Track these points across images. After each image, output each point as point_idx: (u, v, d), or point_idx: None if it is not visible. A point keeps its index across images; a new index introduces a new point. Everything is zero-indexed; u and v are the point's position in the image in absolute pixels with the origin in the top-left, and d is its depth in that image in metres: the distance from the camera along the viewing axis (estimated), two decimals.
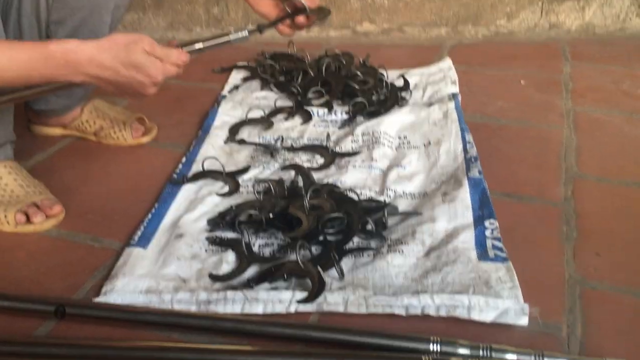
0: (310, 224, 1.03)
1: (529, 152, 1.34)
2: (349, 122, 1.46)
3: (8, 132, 1.14)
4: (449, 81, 1.62)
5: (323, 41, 2.01)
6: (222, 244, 1.04)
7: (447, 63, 1.73)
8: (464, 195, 1.12)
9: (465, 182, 1.16)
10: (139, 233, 1.06)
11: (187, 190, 1.20)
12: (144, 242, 1.04)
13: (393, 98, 1.53)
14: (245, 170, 1.27)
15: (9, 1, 1.19)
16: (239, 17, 2.04)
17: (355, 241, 1.04)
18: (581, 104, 1.56)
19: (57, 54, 0.91)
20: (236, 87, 1.67)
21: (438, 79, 1.65)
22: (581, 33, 2.04)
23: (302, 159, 1.31)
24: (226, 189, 1.21)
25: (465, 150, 1.27)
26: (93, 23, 1.20)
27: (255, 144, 1.38)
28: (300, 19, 1.17)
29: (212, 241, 1.05)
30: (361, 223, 1.04)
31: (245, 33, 1.08)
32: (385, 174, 1.24)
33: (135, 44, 0.95)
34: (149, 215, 1.12)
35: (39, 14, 1.19)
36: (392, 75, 1.68)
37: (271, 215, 1.07)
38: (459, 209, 1.09)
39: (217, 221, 1.10)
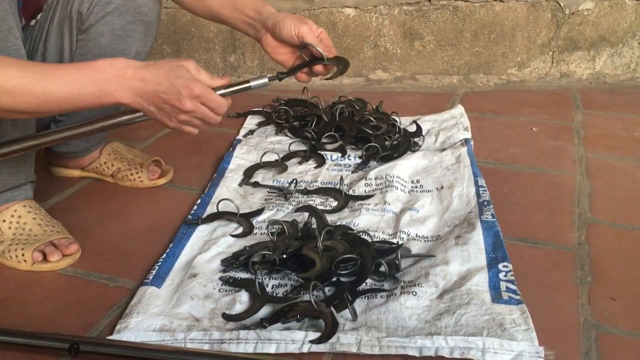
0: (323, 265, 1.04)
1: (542, 198, 1.35)
2: (362, 166, 1.47)
3: (29, 173, 1.17)
4: (461, 127, 1.64)
5: (337, 88, 2.05)
6: (236, 284, 1.05)
7: (459, 110, 1.76)
8: (477, 238, 1.12)
9: (479, 225, 1.16)
10: (153, 272, 1.07)
11: (201, 231, 1.22)
12: (158, 281, 1.05)
13: (406, 143, 1.55)
14: (259, 212, 1.28)
15: (34, 47, 1.24)
16: (254, 65, 2.09)
17: (369, 282, 1.04)
18: (593, 150, 1.57)
19: (106, 68, 0.94)
20: (251, 132, 1.70)
21: (450, 125, 1.67)
22: (592, 82, 2.07)
23: (316, 202, 1.32)
24: (240, 230, 1.22)
25: (478, 194, 1.28)
26: None
27: (269, 187, 1.40)
28: (318, 67, 1.18)
29: (226, 281, 1.06)
30: (374, 265, 1.05)
31: (265, 80, 1.11)
32: (398, 216, 1.25)
33: (179, 66, 0.97)
34: (164, 255, 1.13)
35: (63, 60, 1.24)
36: (404, 121, 1.71)
37: (284, 256, 1.08)
38: (472, 252, 1.09)
39: (231, 261, 1.11)
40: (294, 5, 1.99)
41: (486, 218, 1.19)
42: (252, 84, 1.09)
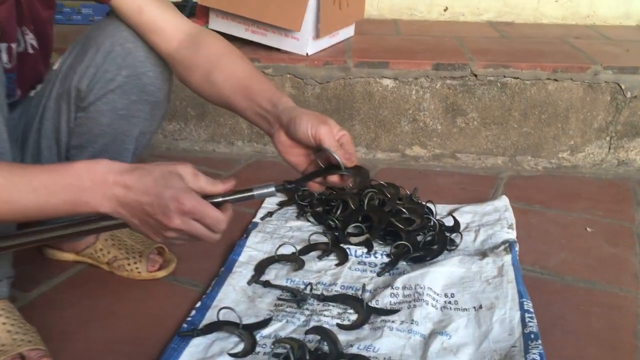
0: None
1: (599, 325, 1.14)
2: (390, 267, 1.29)
3: (6, 269, 1.03)
4: (505, 224, 1.45)
5: (369, 163, 1.89)
6: None
7: (503, 202, 1.57)
8: None
9: None
10: None
11: (195, 346, 1.05)
12: None
13: (441, 241, 1.36)
14: (265, 323, 1.11)
15: (30, 122, 1.12)
16: None
17: None
18: None
19: (83, 173, 0.80)
20: (270, 214, 1.55)
21: (493, 220, 1.48)
22: None
23: (333, 312, 1.15)
24: (240, 347, 1.05)
25: (523, 322, 1.08)
26: (115, 150, 1.11)
27: (282, 288, 1.23)
28: (334, 178, 0.98)
29: None
30: None
31: (271, 189, 0.94)
32: (426, 342, 1.06)
33: (171, 173, 0.83)
34: None
35: (60, 137, 1.12)
36: (440, 210, 1.53)
37: None
38: None
39: None
40: (328, 74, 1.85)
41: (533, 359, 0.99)
42: (256, 193, 0.92)
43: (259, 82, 1.03)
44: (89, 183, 0.80)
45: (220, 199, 0.88)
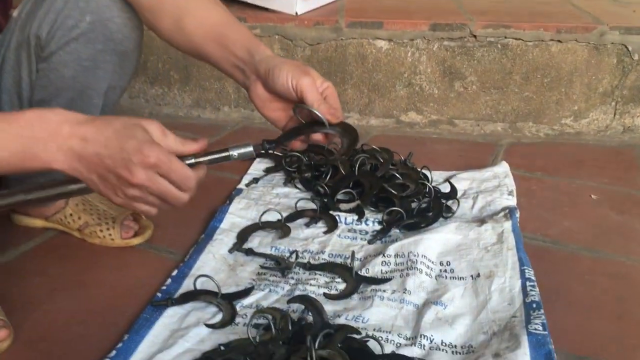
0: None
1: (606, 297, 1.06)
2: (382, 235, 1.21)
3: None
4: (505, 191, 1.37)
5: (362, 129, 1.80)
6: None
7: (503, 168, 1.48)
8: None
9: (525, 340, 0.88)
10: None
11: (170, 316, 0.97)
12: None
13: (437, 208, 1.28)
14: (246, 292, 1.03)
15: None
16: None
17: None
18: None
19: (34, 122, 0.71)
20: (256, 180, 1.46)
21: (492, 187, 1.40)
22: None
23: (319, 282, 1.07)
24: (219, 317, 0.97)
25: (524, 291, 1.00)
26: (81, 105, 1.02)
27: (266, 256, 1.14)
28: (317, 136, 0.89)
29: None
30: None
31: (249, 149, 0.85)
32: (420, 311, 0.99)
33: (135, 125, 0.74)
34: (113, 352, 0.88)
35: (21, 92, 1.02)
36: (437, 177, 1.45)
37: None
38: None
39: None
40: (319, 35, 1.75)
41: (535, 329, 0.90)
42: (232, 153, 0.83)
43: (235, 29, 0.94)
44: (42, 133, 0.71)
45: (193, 160, 0.79)
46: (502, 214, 1.25)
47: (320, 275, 1.09)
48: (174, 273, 1.08)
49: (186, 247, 1.17)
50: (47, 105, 1.01)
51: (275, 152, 1.57)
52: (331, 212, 1.29)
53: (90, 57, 0.99)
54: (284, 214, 1.27)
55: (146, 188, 0.73)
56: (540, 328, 0.91)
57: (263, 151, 0.89)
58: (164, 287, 1.04)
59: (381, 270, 1.10)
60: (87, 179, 0.73)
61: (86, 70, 1.00)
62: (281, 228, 1.23)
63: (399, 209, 1.24)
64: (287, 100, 0.89)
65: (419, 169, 1.41)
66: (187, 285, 1.04)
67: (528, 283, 1.02)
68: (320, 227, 1.26)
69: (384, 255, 1.12)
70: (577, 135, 1.80)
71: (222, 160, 0.82)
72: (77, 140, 0.71)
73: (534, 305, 0.96)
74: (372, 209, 1.31)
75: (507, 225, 1.19)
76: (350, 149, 0.91)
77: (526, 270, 1.05)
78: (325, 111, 0.85)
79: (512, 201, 1.33)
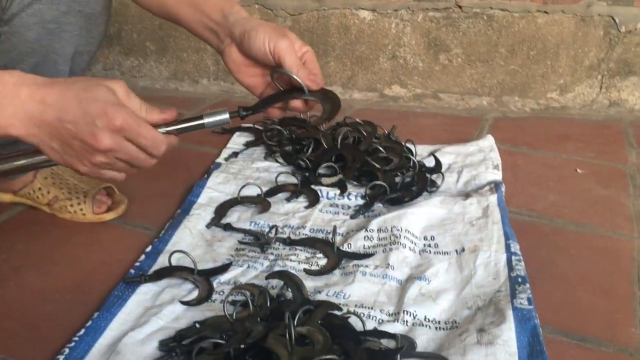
0: None
1: (592, 271, 1.04)
2: (365, 209, 1.17)
3: None
4: (491, 165, 1.34)
5: (345, 103, 1.74)
6: None
7: (488, 142, 1.45)
8: (508, 335, 0.82)
9: (510, 315, 0.85)
10: (60, 359, 0.78)
11: (143, 294, 0.93)
12: None
13: (421, 182, 1.25)
14: (224, 268, 0.99)
15: None
16: None
17: None
18: None
19: None
20: (235, 154, 1.42)
21: (477, 161, 1.37)
22: None
23: (300, 258, 1.03)
24: (195, 294, 0.93)
25: (510, 265, 0.98)
26: (46, 71, 0.96)
27: (244, 231, 1.11)
28: (296, 103, 0.86)
29: None
30: None
31: (225, 116, 0.81)
32: (403, 287, 0.96)
33: (99, 85, 0.69)
34: (82, 330, 0.84)
35: None
36: (421, 151, 1.41)
37: (242, 346, 0.79)
38: (501, 358, 0.78)
39: (171, 346, 0.82)
40: (300, 4, 1.70)
41: (520, 304, 0.88)
42: (207, 120, 0.79)
43: None
44: None
45: (164, 129, 0.74)
46: (487, 187, 1.22)
47: (300, 250, 1.06)
48: (148, 249, 1.03)
49: (162, 223, 1.13)
50: None
51: (255, 126, 1.52)
52: (312, 186, 1.26)
53: (55, 19, 0.93)
54: (264, 189, 1.23)
55: (113, 154, 0.69)
56: (526, 303, 0.88)
57: (239, 117, 0.84)
58: (137, 264, 1.00)
59: (364, 246, 1.06)
60: (47, 147, 0.69)
61: (50, 33, 0.94)
62: (261, 203, 1.20)
63: (382, 183, 1.21)
64: (264, 66, 0.85)
65: (403, 143, 1.38)
66: (161, 262, 1.00)
67: (514, 257, 0.99)
68: (301, 201, 1.22)
69: (366, 230, 1.09)
70: (562, 110, 1.78)
71: (195, 129, 0.78)
72: (36, 103, 0.66)
73: (520, 280, 0.94)
74: (355, 183, 1.28)
75: (493, 199, 1.16)
76: (332, 115, 0.87)
77: (511, 245, 1.02)
78: (305, 77, 0.81)
79: (498, 175, 1.30)
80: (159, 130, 0.74)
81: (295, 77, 0.82)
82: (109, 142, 0.67)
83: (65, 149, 0.69)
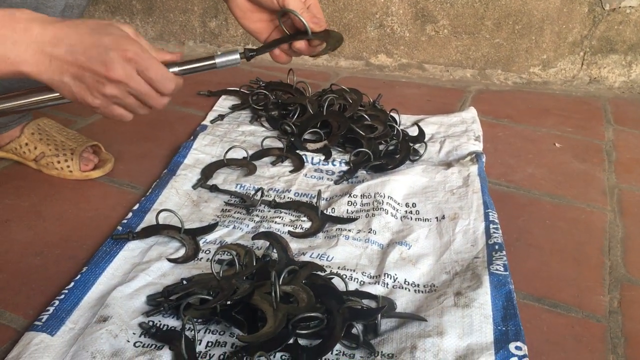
0: (277, 324, 0.77)
1: (566, 240, 1.08)
2: (348, 175, 1.20)
3: None
4: (472, 136, 1.37)
5: (331, 70, 1.77)
6: (158, 337, 0.78)
7: (470, 113, 1.48)
8: (484, 299, 0.86)
9: (486, 280, 0.89)
10: (49, 311, 0.80)
11: (131, 250, 0.95)
12: (52, 325, 0.78)
13: (404, 151, 1.27)
14: (210, 228, 1.01)
15: None
16: (238, 34, 1.79)
17: (336, 349, 0.78)
18: (627, 180, 1.30)
19: (0, 19, 0.66)
20: (221, 117, 1.42)
21: (459, 132, 1.39)
22: (625, 91, 1.79)
23: (285, 220, 1.05)
24: (182, 252, 0.96)
25: (487, 233, 1.01)
26: None
27: (230, 193, 1.12)
28: (301, 44, 0.88)
29: (146, 331, 0.79)
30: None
31: (235, 56, 0.82)
32: (384, 251, 0.99)
33: (110, 24, 0.70)
34: (71, 284, 0.86)
35: None
36: (405, 121, 1.44)
37: (228, 302, 0.81)
38: (476, 320, 0.82)
39: (159, 300, 0.84)
40: None
41: (496, 270, 0.92)
42: (218, 60, 0.80)
43: None
44: (8, 32, 0.66)
45: (176, 69, 0.76)
46: (468, 158, 1.25)
47: (285, 213, 1.08)
48: (136, 207, 1.05)
49: (148, 182, 1.14)
50: None
51: (241, 90, 1.53)
52: (298, 151, 1.27)
53: None
54: (250, 152, 1.25)
55: (124, 85, 0.70)
56: (502, 269, 0.92)
57: (245, 58, 0.86)
58: (125, 221, 1.01)
59: (347, 210, 1.09)
60: (59, 83, 0.69)
61: None
62: (246, 166, 1.21)
63: (367, 150, 1.23)
64: (268, 11, 0.87)
65: (388, 112, 1.40)
66: (148, 220, 1.02)
67: (492, 225, 1.03)
68: (287, 166, 1.24)
69: (350, 196, 1.12)
70: (544, 85, 1.81)
71: (207, 69, 0.80)
72: (48, 38, 0.67)
73: (496, 247, 0.97)
74: (340, 149, 1.30)
75: (474, 169, 1.19)
76: (335, 47, 0.89)
77: (490, 213, 1.06)
78: (309, 19, 0.84)
79: (479, 146, 1.33)
80: (172, 69, 0.76)
81: (299, 16, 0.84)
82: (121, 71, 0.68)
83: (77, 82, 0.69)
